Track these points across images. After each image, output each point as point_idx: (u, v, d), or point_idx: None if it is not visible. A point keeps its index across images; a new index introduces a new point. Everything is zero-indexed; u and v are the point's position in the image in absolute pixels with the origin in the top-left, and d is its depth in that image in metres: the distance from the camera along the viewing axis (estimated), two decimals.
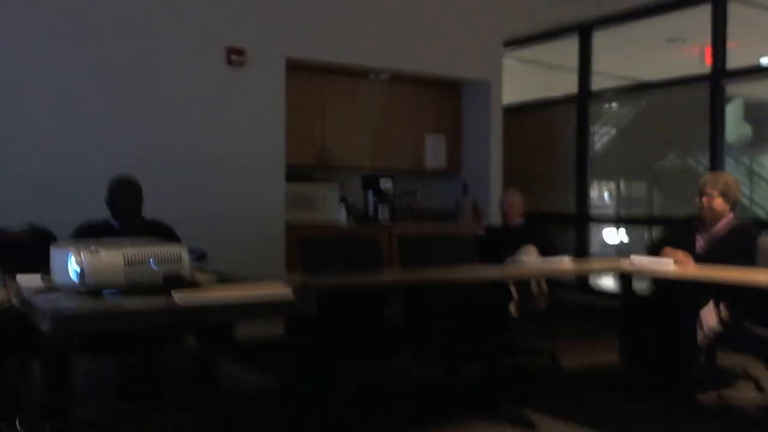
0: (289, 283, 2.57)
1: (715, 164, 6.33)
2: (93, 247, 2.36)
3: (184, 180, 5.07)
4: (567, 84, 7.72)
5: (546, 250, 4.70)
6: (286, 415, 2.30)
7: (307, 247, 4.18)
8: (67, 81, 4.73)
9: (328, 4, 5.73)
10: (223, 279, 2.70)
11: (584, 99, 7.56)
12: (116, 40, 4.89)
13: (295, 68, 5.69)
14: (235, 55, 5.30)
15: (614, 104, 7.77)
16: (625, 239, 7.74)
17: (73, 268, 2.34)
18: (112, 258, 2.36)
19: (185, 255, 2.49)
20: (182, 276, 2.44)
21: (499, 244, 4.85)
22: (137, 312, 2.21)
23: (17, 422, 2.10)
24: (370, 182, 6.38)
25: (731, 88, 6.50)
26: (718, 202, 4.15)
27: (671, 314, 3.94)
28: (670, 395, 4.10)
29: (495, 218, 6.10)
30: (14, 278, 2.57)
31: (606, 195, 7.98)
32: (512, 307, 3.87)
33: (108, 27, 4.86)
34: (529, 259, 4.50)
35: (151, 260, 2.41)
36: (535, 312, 4.50)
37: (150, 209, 3.98)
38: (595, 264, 5.30)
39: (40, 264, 2.66)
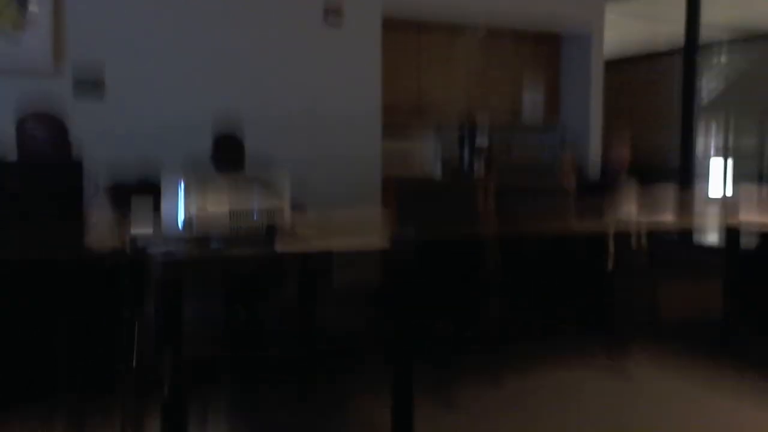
0: (385, 233, 2.61)
1: None
2: (200, 201, 2.48)
3: (282, 136, 5.19)
4: (673, 35, 7.40)
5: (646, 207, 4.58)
6: (383, 360, 2.38)
7: (403, 199, 4.22)
8: (169, 40, 4.91)
9: None
10: (323, 230, 2.78)
11: (691, 51, 7.24)
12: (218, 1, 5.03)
13: (391, 25, 5.69)
14: (332, 14, 5.35)
15: (723, 57, 7.40)
16: (734, 197, 7.43)
17: (182, 219, 2.47)
18: (218, 210, 2.47)
19: (287, 207, 2.57)
20: (284, 227, 2.53)
21: (596, 197, 4.75)
22: (241, 259, 2.32)
23: (134, 363, 2.25)
24: (466, 136, 6.34)
25: None
26: None
27: None
28: None
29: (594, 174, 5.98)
30: (128, 228, 2.72)
31: (713, 149, 7.67)
32: (609, 262, 3.81)
33: None
34: (629, 212, 4.40)
35: (255, 212, 2.51)
36: (634, 266, 4.41)
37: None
38: (699, 218, 5.12)
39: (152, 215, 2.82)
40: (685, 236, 7.08)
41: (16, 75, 4.48)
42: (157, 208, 2.72)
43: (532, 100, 6.69)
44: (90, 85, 4.68)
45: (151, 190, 3.86)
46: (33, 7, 4.51)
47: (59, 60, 4.60)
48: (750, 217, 4.15)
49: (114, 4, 4.75)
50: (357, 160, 5.46)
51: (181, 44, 4.94)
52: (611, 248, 3.76)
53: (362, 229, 2.80)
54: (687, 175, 7.31)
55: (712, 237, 7.03)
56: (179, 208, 2.45)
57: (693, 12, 7.19)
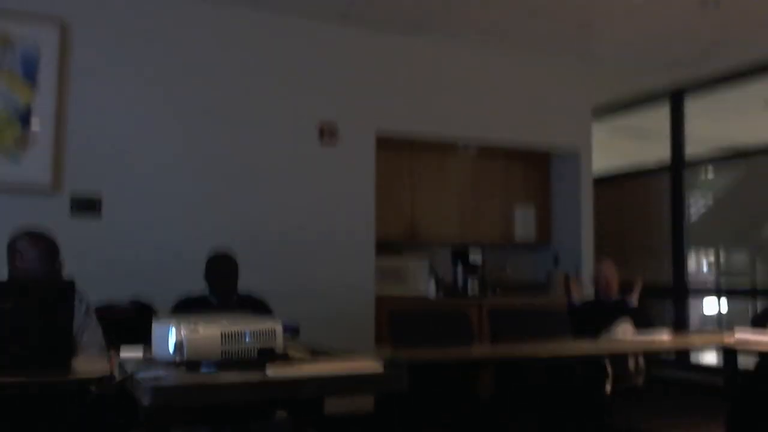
0: (379, 357, 2.58)
1: None
2: (192, 323, 2.45)
3: (277, 254, 5.20)
4: (659, 151, 7.58)
5: (642, 325, 4.56)
6: None
7: (396, 321, 4.19)
8: (167, 161, 4.99)
9: (416, 79, 5.86)
10: (316, 353, 2.74)
11: (678, 166, 7.39)
12: (213, 119, 5.13)
13: (385, 143, 5.82)
14: (326, 132, 5.48)
15: (711, 171, 7.56)
16: (727, 312, 7.40)
17: (172, 342, 2.43)
18: (209, 333, 2.44)
19: (279, 330, 2.54)
20: (276, 351, 2.50)
21: (593, 318, 4.73)
22: (232, 385, 2.26)
23: None
24: (460, 255, 6.38)
25: None
26: None
27: None
28: None
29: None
30: (118, 351, 2.68)
31: (705, 265, 7.70)
32: (608, 385, 3.75)
33: (205, 107, 5.12)
34: (625, 334, 4.37)
35: (247, 335, 2.48)
36: (633, 389, 4.34)
37: (244, 283, 4.10)
38: (696, 338, 5.08)
39: (142, 337, 2.78)
40: (682, 356, 7.01)
41: (14, 193, 4.52)
42: (147, 329, 2.68)
43: (523, 218, 6.76)
44: (87, 204, 4.71)
45: (143, 312, 3.84)
46: (35, 127, 4.59)
47: (58, 179, 4.65)
48: (747, 335, 4.12)
49: (114, 127, 4.85)
50: (351, 278, 5.45)
51: (179, 165, 5.02)
52: (609, 370, 3.71)
53: (357, 353, 2.76)
54: (680, 292, 7.30)
55: (709, 357, 6.96)
56: (171, 332, 2.42)
57: (677, 130, 7.39)
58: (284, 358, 2.52)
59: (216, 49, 5.20)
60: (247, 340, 2.48)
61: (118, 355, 2.67)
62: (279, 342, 2.53)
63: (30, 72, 4.61)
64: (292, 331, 3.03)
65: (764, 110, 7.20)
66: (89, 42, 4.82)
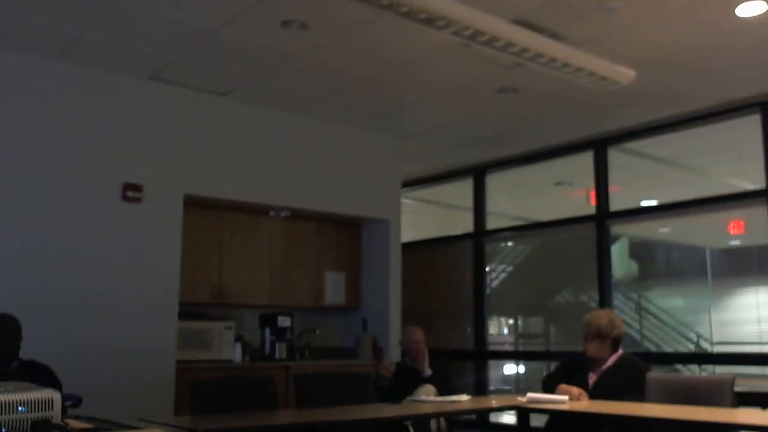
0: (174, 428, 2.44)
1: (604, 300, 6.54)
2: None
3: (69, 316, 4.85)
4: (466, 223, 7.98)
5: (444, 390, 4.67)
6: None
7: (196, 388, 4.00)
8: None
9: (227, 142, 5.81)
10: (100, 426, 2.55)
11: (480, 237, 7.80)
12: (8, 166, 4.78)
13: (194, 204, 5.67)
14: (131, 191, 5.25)
15: (509, 242, 8.05)
16: (525, 374, 7.82)
17: None
18: None
19: (57, 400, 2.36)
20: (53, 423, 2.31)
21: (401, 383, 4.79)
22: None
23: None
24: (268, 319, 6.28)
25: (616, 228, 6.85)
26: (593, 347, 4.25)
27: None
28: None
29: (394, 355, 6.08)
30: None
31: (505, 330, 8.12)
32: None
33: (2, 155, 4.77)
34: (428, 398, 4.46)
35: (21, 407, 2.28)
36: None
37: (32, 347, 3.77)
38: (493, 401, 5.28)
39: None
40: (483, 418, 7.28)
41: None
42: None
43: (334, 282, 6.81)
44: None
45: None
46: None
47: None
48: (537, 398, 4.33)
49: None
50: (151, 342, 5.17)
51: None
52: None
53: (147, 424, 2.60)
54: (480, 355, 7.62)
55: (508, 417, 7.29)
56: None
57: (479, 203, 7.84)
58: (61, 429, 2.32)
59: (20, 105, 4.87)
60: (20, 410, 2.28)
61: None
62: (57, 413, 2.34)
63: None
64: (74, 401, 2.81)
65: (554, 190, 7.85)
66: None
